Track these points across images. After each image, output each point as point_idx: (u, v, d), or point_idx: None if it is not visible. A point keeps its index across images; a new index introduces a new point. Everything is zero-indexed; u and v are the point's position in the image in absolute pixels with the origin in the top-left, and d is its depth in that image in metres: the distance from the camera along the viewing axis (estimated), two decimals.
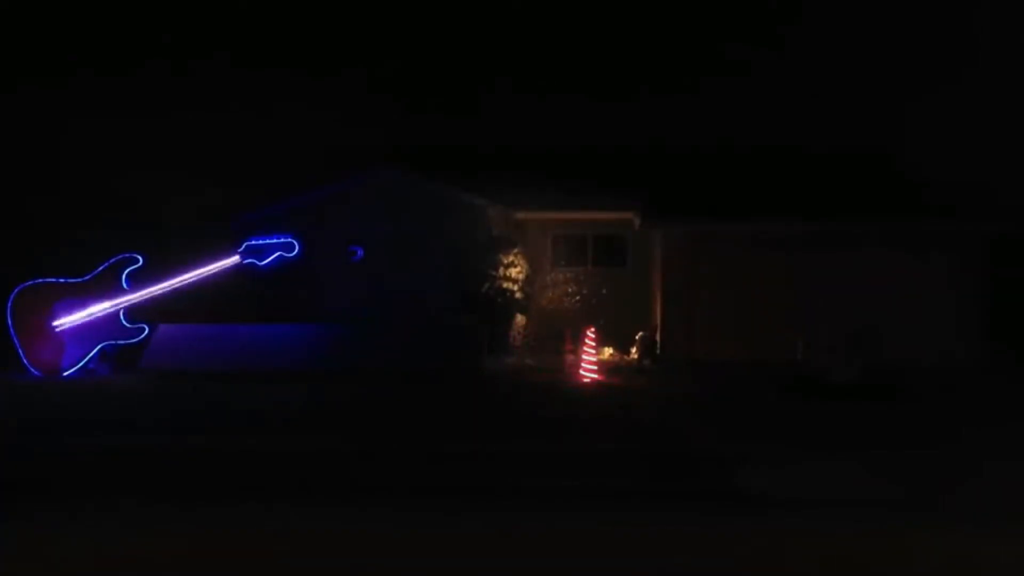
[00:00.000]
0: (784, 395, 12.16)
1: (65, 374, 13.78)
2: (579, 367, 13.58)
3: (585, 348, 13.63)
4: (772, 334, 15.32)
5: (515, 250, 16.89)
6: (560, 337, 16.71)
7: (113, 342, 14.24)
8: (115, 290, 14.15)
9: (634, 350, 16.34)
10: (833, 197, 16.77)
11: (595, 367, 13.47)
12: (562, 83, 24.96)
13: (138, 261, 14.28)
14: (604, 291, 17.62)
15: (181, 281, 14.40)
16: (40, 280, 14.05)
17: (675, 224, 16.49)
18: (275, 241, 14.83)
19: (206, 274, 14.49)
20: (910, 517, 6.19)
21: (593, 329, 13.91)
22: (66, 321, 13.83)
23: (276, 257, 14.79)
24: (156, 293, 14.29)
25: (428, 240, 16.94)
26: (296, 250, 14.90)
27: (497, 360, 15.37)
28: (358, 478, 7.35)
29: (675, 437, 9.28)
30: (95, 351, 14.07)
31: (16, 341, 13.81)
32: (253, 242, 14.85)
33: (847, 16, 26.63)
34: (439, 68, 25.95)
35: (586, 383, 13.17)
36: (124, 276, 14.20)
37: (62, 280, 14.10)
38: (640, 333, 16.35)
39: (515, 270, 16.70)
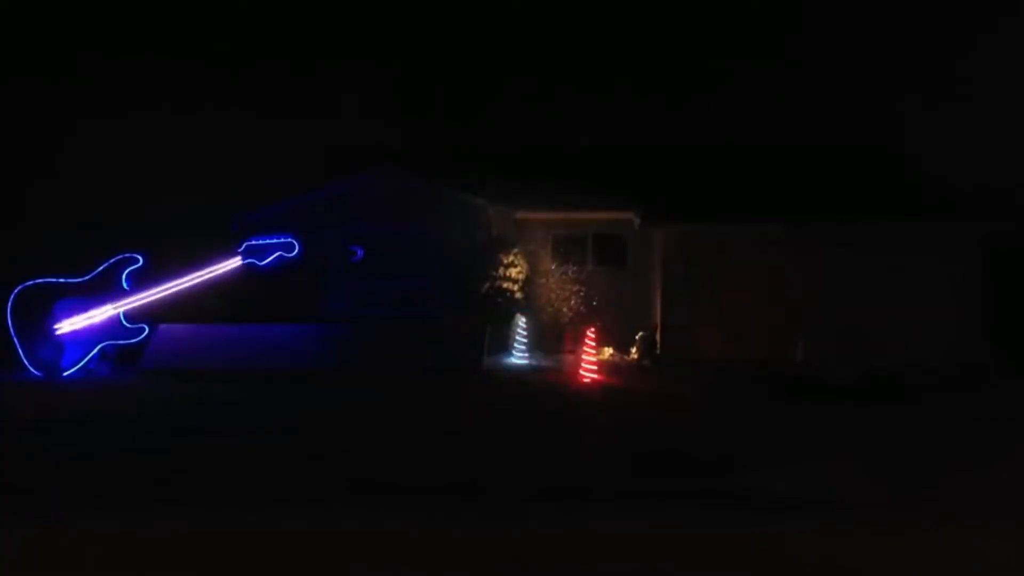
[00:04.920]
0: (784, 395, 12.15)
1: (65, 374, 13.77)
2: (579, 367, 13.56)
3: (585, 348, 13.65)
4: (772, 334, 15.28)
5: (515, 250, 16.88)
6: (560, 338, 16.72)
7: (113, 342, 14.23)
8: (115, 290, 14.13)
9: (634, 350, 16.33)
10: (834, 197, 16.76)
11: (595, 367, 13.46)
12: (562, 83, 24.94)
13: (138, 261, 14.27)
14: (604, 291, 17.60)
15: (182, 284, 14.39)
16: (40, 280, 14.03)
17: (675, 224, 16.48)
18: (275, 241, 14.81)
19: (207, 277, 14.48)
20: (909, 517, 6.19)
21: (593, 329, 13.93)
22: (66, 325, 13.81)
23: (276, 257, 14.78)
24: (157, 296, 14.28)
25: (428, 240, 16.91)
26: (296, 250, 14.88)
27: (497, 360, 15.37)
28: (358, 478, 7.35)
29: (675, 437, 9.28)
30: (95, 351, 14.06)
31: (16, 341, 13.80)
32: (253, 242, 14.84)
33: (847, 14, 26.61)
34: (440, 68, 25.95)
35: (586, 383, 13.16)
36: (124, 276, 14.19)
37: (62, 280, 14.08)
38: (640, 333, 16.34)
39: (515, 270, 16.69)
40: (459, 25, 27.18)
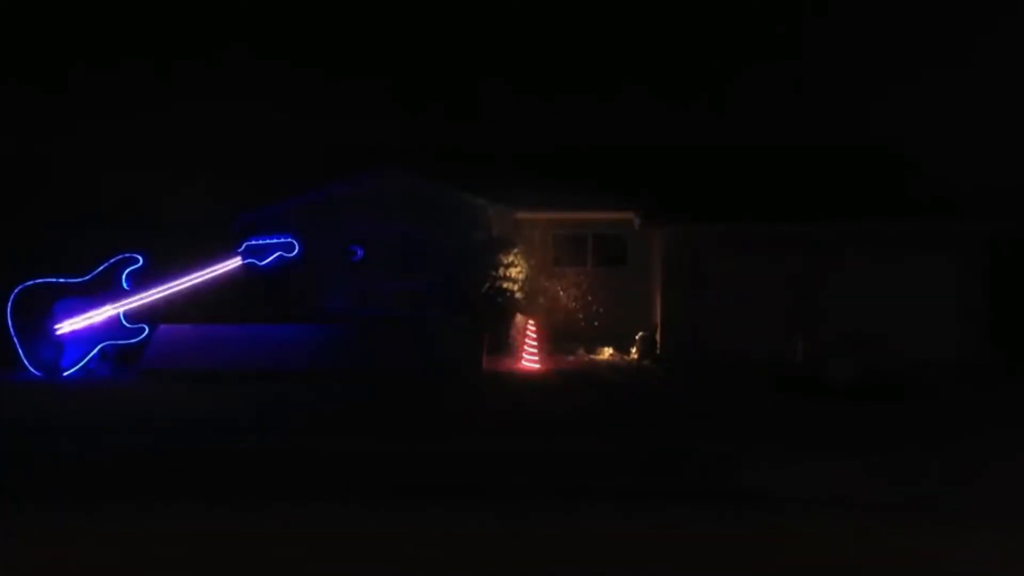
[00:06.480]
0: (783, 395, 12.15)
1: (65, 374, 13.77)
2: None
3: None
4: (772, 334, 15.29)
5: (515, 250, 16.88)
6: (559, 338, 16.70)
7: (113, 342, 14.23)
8: (115, 290, 14.13)
9: (634, 350, 16.35)
10: (833, 197, 16.76)
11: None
12: (562, 83, 24.97)
13: (138, 261, 14.26)
14: (604, 291, 17.61)
15: (182, 284, 14.39)
16: (40, 280, 14.03)
17: (675, 224, 16.48)
18: (275, 241, 14.82)
19: (207, 277, 14.48)
20: (910, 517, 6.19)
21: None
22: (66, 325, 13.80)
23: (276, 257, 14.79)
24: (157, 296, 14.28)
25: (428, 240, 16.92)
26: (296, 250, 14.89)
27: (497, 360, 15.37)
28: (357, 478, 7.34)
29: (674, 437, 9.27)
30: (95, 351, 14.06)
31: (16, 341, 13.80)
32: (253, 242, 14.84)
33: (847, 13, 26.63)
34: (440, 68, 25.96)
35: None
36: (124, 276, 14.19)
37: (62, 280, 14.08)
38: (640, 333, 16.35)
39: (515, 270, 16.69)
40: (459, 25, 27.20)
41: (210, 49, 23.43)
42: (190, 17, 25.32)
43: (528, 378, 13.97)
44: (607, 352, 16.54)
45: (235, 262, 14.70)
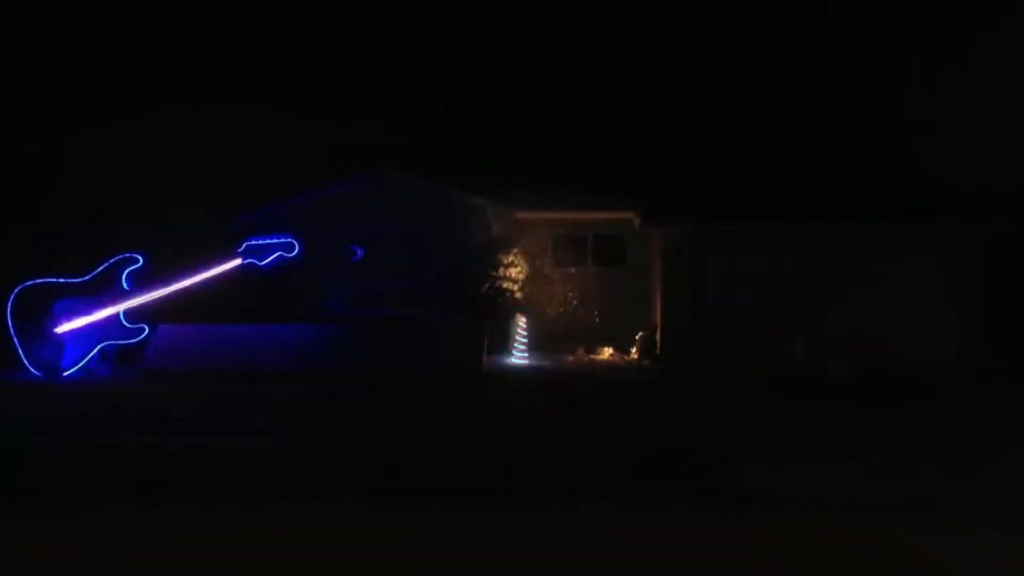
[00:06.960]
0: (783, 395, 12.15)
1: (65, 374, 13.76)
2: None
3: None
4: (772, 334, 15.28)
5: (515, 250, 16.88)
6: (560, 337, 16.73)
7: (113, 342, 14.23)
8: (115, 290, 14.13)
9: (634, 350, 16.35)
10: (833, 197, 16.76)
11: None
12: (562, 83, 24.99)
13: (138, 261, 14.26)
14: (604, 291, 17.61)
15: (182, 284, 14.38)
16: (40, 280, 14.03)
17: (675, 224, 16.47)
18: (275, 241, 14.82)
19: (207, 277, 14.48)
20: (910, 517, 6.19)
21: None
22: (66, 325, 13.80)
23: (276, 257, 14.79)
24: (157, 296, 14.28)
25: (428, 240, 16.93)
26: (296, 250, 14.89)
27: (497, 360, 15.38)
28: (358, 478, 7.34)
29: (674, 437, 9.27)
30: (95, 351, 14.06)
31: (16, 341, 13.79)
32: (253, 242, 14.84)
33: (847, 14, 26.64)
34: (440, 68, 25.97)
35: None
36: (124, 276, 14.19)
37: (62, 280, 14.07)
38: (640, 333, 16.35)
39: (515, 270, 16.69)
40: (459, 25, 27.21)
41: (211, 49, 23.45)
42: (191, 17, 25.33)
43: (528, 378, 13.97)
44: (607, 352, 16.54)
45: (235, 262, 14.70)
